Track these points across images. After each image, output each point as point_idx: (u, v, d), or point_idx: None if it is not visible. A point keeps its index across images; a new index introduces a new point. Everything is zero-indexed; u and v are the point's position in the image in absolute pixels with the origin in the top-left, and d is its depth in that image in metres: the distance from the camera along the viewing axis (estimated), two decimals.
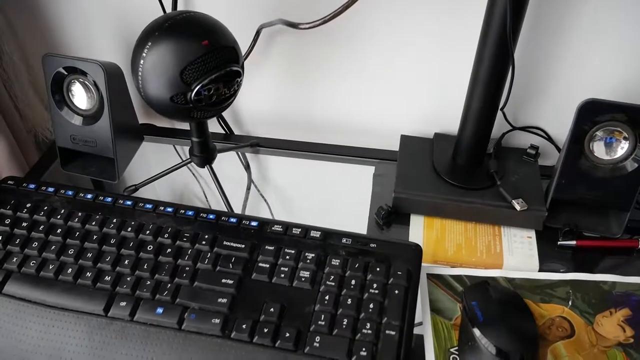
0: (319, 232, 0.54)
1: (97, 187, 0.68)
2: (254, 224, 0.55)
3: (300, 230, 0.54)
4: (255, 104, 0.74)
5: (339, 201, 0.73)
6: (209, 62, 0.49)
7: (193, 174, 0.80)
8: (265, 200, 0.79)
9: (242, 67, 0.53)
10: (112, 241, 0.54)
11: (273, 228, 0.55)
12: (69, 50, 0.73)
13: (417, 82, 0.67)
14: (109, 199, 0.58)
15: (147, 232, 0.54)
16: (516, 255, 0.58)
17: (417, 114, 0.70)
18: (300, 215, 0.69)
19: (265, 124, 0.76)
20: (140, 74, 0.50)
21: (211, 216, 0.56)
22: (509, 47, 0.51)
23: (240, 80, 0.53)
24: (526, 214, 0.59)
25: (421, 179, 0.62)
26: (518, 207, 0.58)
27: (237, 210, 0.68)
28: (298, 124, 0.74)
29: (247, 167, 0.76)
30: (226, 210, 0.62)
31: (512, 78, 0.55)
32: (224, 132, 0.75)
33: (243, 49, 0.62)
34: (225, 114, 0.74)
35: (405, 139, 0.68)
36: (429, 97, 0.68)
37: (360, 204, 0.65)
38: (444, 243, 0.59)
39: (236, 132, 0.76)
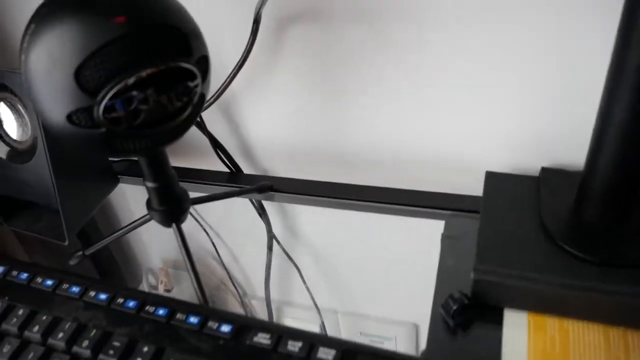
0: (333, 351, 0.30)
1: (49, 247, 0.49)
2: (225, 329, 0.32)
3: (301, 344, 0.31)
4: (269, 130, 0.52)
5: (390, 272, 0.49)
6: (126, 53, 0.28)
7: (196, 220, 0.60)
8: (293, 262, 0.58)
9: (202, 66, 0.32)
10: (5, 349, 0.33)
11: (255, 339, 0.32)
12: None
13: (510, 91, 0.42)
14: (24, 276, 0.38)
15: (60, 334, 0.34)
16: None
17: (510, 137, 0.44)
18: (339, 287, 0.50)
19: (283, 157, 0.53)
20: (24, 79, 0.30)
21: (161, 311, 0.34)
22: None
23: (196, 87, 0.31)
24: None
25: (522, 246, 0.37)
26: None
27: (259, 274, 0.53)
28: (328, 157, 0.51)
29: (262, 214, 0.55)
30: (199, 300, 0.39)
31: None
32: (227, 171, 0.54)
33: (239, 47, 0.42)
34: (228, 143, 0.53)
35: (492, 178, 0.43)
36: (529, 112, 0.43)
37: (421, 277, 0.41)
38: None
39: (245, 169, 0.54)
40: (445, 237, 0.43)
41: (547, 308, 0.36)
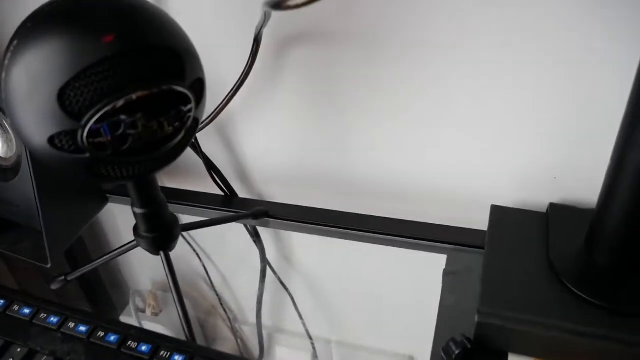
0: None
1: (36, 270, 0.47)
2: None
3: None
4: (265, 153, 0.50)
5: (387, 304, 0.48)
6: (114, 74, 0.26)
7: (188, 243, 0.58)
8: (287, 289, 0.56)
9: (197, 89, 0.30)
10: None
11: None
12: None
13: (519, 124, 0.40)
14: (0, 303, 0.36)
15: None
16: None
17: (517, 171, 0.42)
18: (333, 317, 0.54)
19: (279, 182, 0.52)
20: (4, 98, 0.28)
21: (144, 347, 0.32)
22: None
23: (190, 112, 0.29)
24: None
25: (529, 287, 0.35)
26: None
27: (251, 300, 0.53)
28: (327, 183, 0.50)
29: (256, 241, 0.53)
30: (186, 336, 0.37)
31: None
32: (222, 194, 0.52)
33: (239, 67, 0.41)
34: (223, 165, 0.51)
35: (498, 213, 0.41)
36: (537, 145, 0.41)
37: (419, 311, 0.43)
38: None
39: (240, 192, 0.52)
40: (447, 273, 0.41)
41: (554, 355, 0.34)
